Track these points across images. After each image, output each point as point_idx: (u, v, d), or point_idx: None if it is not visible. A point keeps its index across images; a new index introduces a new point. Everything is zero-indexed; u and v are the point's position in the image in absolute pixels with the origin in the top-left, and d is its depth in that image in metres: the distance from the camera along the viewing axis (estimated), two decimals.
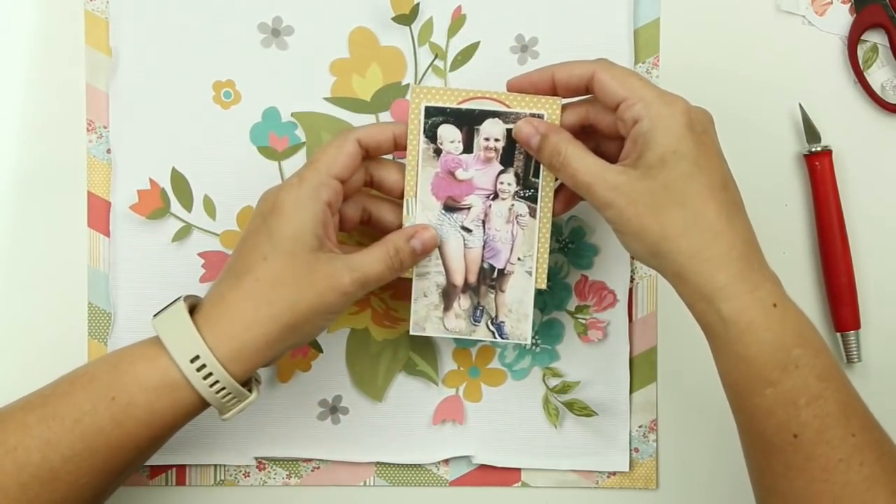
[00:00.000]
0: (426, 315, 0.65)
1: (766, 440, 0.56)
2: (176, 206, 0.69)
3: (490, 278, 0.64)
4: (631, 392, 0.70)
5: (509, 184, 0.63)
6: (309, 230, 0.59)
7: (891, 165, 0.71)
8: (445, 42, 0.69)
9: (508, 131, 0.62)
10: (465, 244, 0.64)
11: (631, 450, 0.70)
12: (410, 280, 0.64)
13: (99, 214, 0.69)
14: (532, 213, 0.63)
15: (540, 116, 0.62)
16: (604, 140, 0.62)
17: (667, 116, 0.57)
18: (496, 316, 0.65)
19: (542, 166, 0.62)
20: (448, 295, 0.65)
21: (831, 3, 0.70)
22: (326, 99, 0.69)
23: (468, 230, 0.64)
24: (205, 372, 0.57)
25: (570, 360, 0.70)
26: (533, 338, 0.70)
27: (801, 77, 0.70)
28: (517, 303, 0.64)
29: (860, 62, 0.70)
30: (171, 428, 0.58)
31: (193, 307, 0.59)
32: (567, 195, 0.64)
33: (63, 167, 0.69)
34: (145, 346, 0.59)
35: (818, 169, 0.69)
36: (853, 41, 0.70)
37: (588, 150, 0.60)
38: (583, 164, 0.59)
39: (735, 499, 0.69)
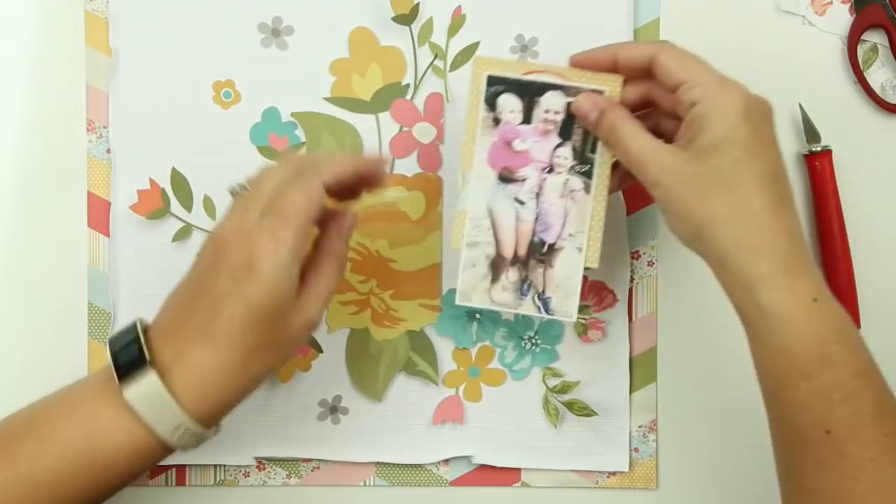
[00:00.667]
0: (473, 286, 0.63)
1: (797, 434, 0.56)
2: (176, 206, 0.69)
3: (540, 252, 0.63)
4: (631, 392, 0.70)
5: (566, 157, 0.63)
6: (288, 298, 0.56)
7: (891, 165, 0.71)
8: (445, 42, 0.69)
9: (569, 105, 0.62)
10: (517, 216, 0.64)
11: (631, 450, 0.70)
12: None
13: (99, 214, 0.69)
14: (587, 189, 0.63)
15: (601, 92, 0.62)
16: (664, 118, 0.62)
17: (723, 102, 0.57)
18: (543, 291, 0.64)
19: (599, 142, 0.62)
20: (497, 267, 0.64)
21: (831, 3, 0.70)
22: (326, 99, 0.69)
23: (521, 202, 0.63)
24: (185, 435, 0.57)
25: (570, 360, 0.70)
26: (532, 338, 0.70)
27: (801, 77, 0.70)
28: (566, 279, 0.64)
29: (860, 62, 0.70)
30: (141, 473, 0.59)
31: (146, 330, 0.58)
32: (621, 173, 0.63)
33: (63, 167, 0.69)
34: (114, 413, 0.57)
35: (818, 169, 0.69)
36: (853, 41, 0.70)
37: (644, 129, 0.60)
38: (637, 141, 0.59)
39: (735, 499, 0.69)
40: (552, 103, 0.62)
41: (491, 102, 0.62)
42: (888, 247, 0.71)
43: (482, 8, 0.69)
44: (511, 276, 0.64)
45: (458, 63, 0.69)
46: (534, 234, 0.64)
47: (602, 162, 0.62)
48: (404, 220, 0.69)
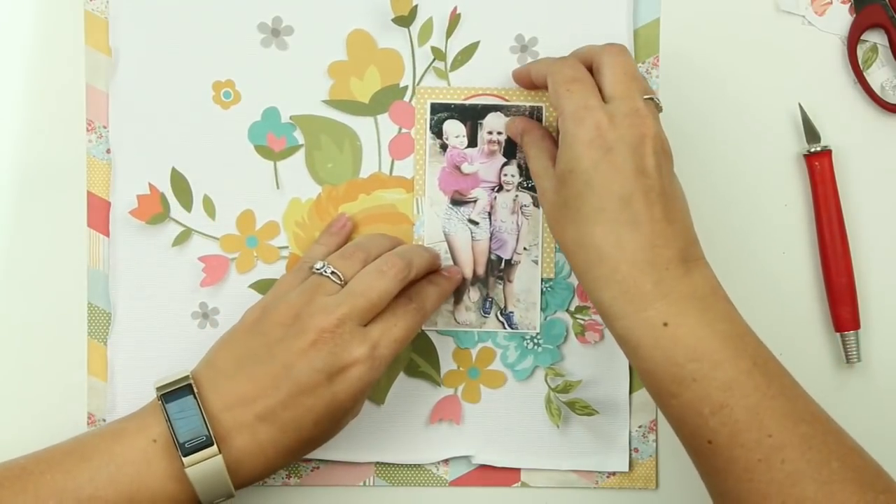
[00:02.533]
0: (437, 310, 0.66)
1: (687, 444, 0.57)
2: (176, 207, 0.69)
3: (498, 269, 0.66)
4: (631, 392, 0.70)
5: (513, 175, 0.66)
6: (361, 406, 0.62)
7: (891, 165, 0.71)
8: (444, 43, 0.69)
9: None
10: (472, 237, 0.66)
11: (631, 450, 0.70)
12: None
13: (99, 214, 0.69)
14: (536, 203, 0.65)
15: (539, 108, 0.65)
16: None
17: (572, 134, 0.57)
18: (505, 307, 0.66)
19: None
20: (458, 288, 0.67)
21: (831, 3, 0.70)
22: (325, 102, 0.69)
23: (475, 223, 0.66)
24: (221, 499, 0.59)
25: (573, 360, 0.70)
26: (535, 337, 0.70)
27: (801, 77, 0.70)
28: (525, 292, 0.66)
29: (860, 62, 0.70)
30: None
31: (196, 380, 0.59)
32: None
33: (63, 167, 0.69)
34: (165, 480, 0.58)
35: (818, 169, 0.69)
36: (853, 41, 0.70)
37: (547, 153, 0.61)
38: (535, 165, 0.62)
39: None
40: (494, 124, 0.65)
41: (437, 130, 0.65)
42: (888, 247, 0.71)
43: (482, 8, 0.69)
44: (472, 295, 0.67)
45: (457, 63, 0.69)
46: (490, 252, 0.66)
47: None
48: (404, 221, 0.69)
